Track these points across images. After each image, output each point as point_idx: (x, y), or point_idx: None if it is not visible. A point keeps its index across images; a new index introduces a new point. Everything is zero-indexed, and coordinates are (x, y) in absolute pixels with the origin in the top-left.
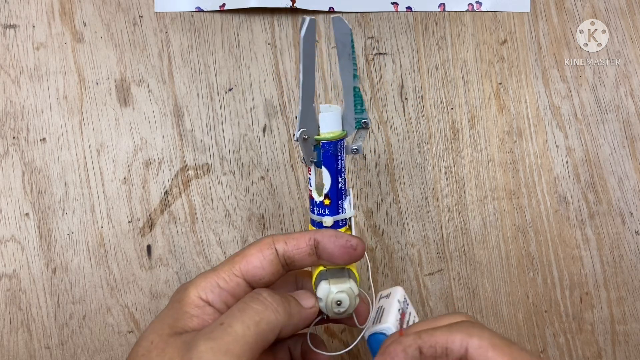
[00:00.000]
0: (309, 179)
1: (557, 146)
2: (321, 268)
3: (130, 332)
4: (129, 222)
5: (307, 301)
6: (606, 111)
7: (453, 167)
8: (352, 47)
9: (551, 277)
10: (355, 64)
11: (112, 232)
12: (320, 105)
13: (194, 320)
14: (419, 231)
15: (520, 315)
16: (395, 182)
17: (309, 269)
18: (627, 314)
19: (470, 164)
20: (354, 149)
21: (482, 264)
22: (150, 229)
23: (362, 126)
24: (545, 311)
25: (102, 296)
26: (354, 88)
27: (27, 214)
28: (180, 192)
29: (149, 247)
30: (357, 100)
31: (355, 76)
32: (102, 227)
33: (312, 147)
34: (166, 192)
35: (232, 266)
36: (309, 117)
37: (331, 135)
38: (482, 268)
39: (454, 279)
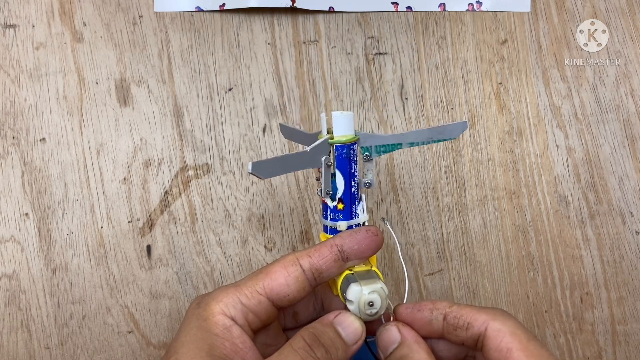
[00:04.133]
0: (321, 184)
1: (557, 146)
2: (347, 272)
3: (130, 332)
4: (129, 222)
5: (352, 335)
6: (606, 111)
7: (453, 167)
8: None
9: (551, 277)
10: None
11: (112, 232)
12: (332, 112)
13: (226, 346)
14: (419, 231)
15: (520, 316)
16: (395, 182)
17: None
18: (627, 314)
19: (471, 164)
20: (366, 183)
21: (482, 264)
22: (150, 229)
23: (365, 159)
24: (546, 311)
25: (101, 296)
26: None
27: (26, 214)
28: (180, 192)
29: (148, 247)
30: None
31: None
32: (101, 227)
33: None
34: (166, 192)
35: (256, 283)
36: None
37: (344, 138)
38: (482, 268)
39: (454, 279)
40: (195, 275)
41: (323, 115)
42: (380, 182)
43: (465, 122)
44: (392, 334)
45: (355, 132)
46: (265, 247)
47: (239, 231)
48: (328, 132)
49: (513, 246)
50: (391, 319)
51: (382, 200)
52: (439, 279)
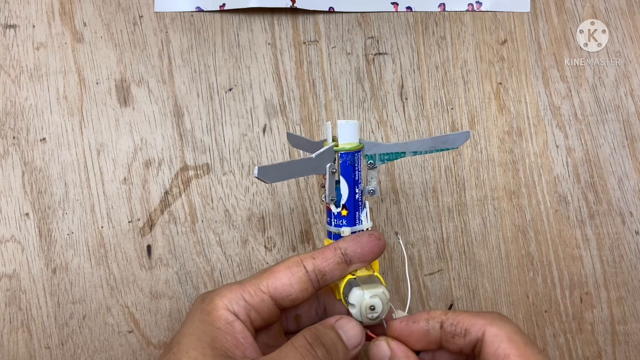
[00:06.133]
0: (326, 191)
1: (557, 146)
2: (349, 277)
3: (130, 332)
4: (129, 222)
5: (353, 340)
6: (606, 111)
7: (453, 167)
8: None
9: (551, 277)
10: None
11: (112, 232)
12: (338, 120)
13: (228, 340)
14: (418, 231)
15: (520, 315)
16: (395, 182)
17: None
18: (627, 314)
19: (470, 164)
20: (370, 191)
21: (482, 264)
22: (150, 229)
23: (369, 167)
24: (545, 311)
25: (102, 296)
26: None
27: (27, 214)
28: (180, 192)
29: (149, 247)
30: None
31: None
32: (102, 227)
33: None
34: (166, 192)
35: (259, 282)
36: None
37: (349, 146)
38: (482, 268)
39: (454, 279)
40: (196, 275)
41: (329, 123)
42: (380, 182)
43: (468, 132)
44: (381, 349)
45: (359, 140)
46: (266, 247)
47: (239, 231)
48: (333, 140)
49: (513, 246)
50: (385, 325)
51: (382, 200)
52: (438, 279)
